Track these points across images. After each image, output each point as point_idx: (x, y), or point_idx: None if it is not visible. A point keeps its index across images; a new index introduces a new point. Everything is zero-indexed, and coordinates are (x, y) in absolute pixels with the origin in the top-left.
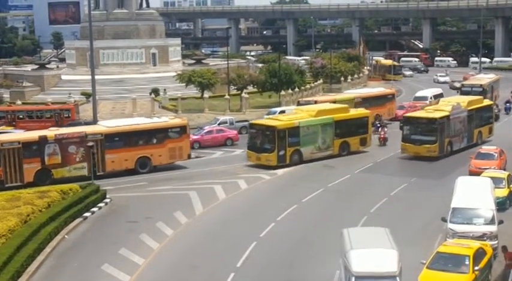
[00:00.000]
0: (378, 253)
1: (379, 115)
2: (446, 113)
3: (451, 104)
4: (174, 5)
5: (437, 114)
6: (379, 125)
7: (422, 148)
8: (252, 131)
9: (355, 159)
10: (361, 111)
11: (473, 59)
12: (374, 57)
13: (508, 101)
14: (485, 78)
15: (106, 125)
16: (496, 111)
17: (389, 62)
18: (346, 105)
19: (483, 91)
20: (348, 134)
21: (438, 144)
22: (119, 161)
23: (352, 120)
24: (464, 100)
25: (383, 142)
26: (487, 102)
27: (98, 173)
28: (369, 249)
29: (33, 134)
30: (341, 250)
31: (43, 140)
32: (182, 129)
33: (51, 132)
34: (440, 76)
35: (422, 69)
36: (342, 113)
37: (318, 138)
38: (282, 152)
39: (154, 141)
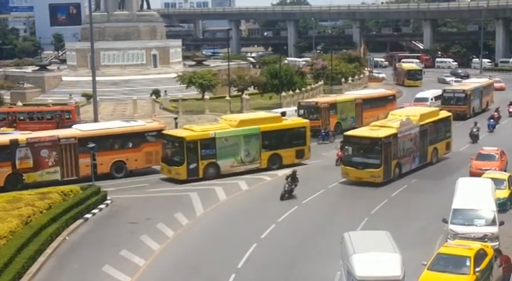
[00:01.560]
0: (381, 257)
1: (327, 124)
2: (393, 131)
3: (400, 118)
4: (175, 6)
5: (382, 133)
6: (324, 133)
7: (364, 173)
8: (163, 142)
9: None
10: (297, 121)
11: (476, 60)
12: (399, 63)
13: (492, 117)
14: (471, 83)
15: (80, 128)
16: (475, 130)
17: (409, 66)
18: (278, 115)
19: (466, 97)
20: (280, 145)
21: (383, 168)
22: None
23: (285, 130)
24: (416, 113)
25: (339, 161)
26: (443, 114)
27: (71, 178)
28: (372, 253)
29: (4, 138)
30: (343, 254)
31: (14, 143)
32: (159, 133)
33: (22, 135)
34: (447, 77)
35: (462, 74)
36: (272, 123)
37: (239, 151)
38: (193, 166)
39: (130, 145)
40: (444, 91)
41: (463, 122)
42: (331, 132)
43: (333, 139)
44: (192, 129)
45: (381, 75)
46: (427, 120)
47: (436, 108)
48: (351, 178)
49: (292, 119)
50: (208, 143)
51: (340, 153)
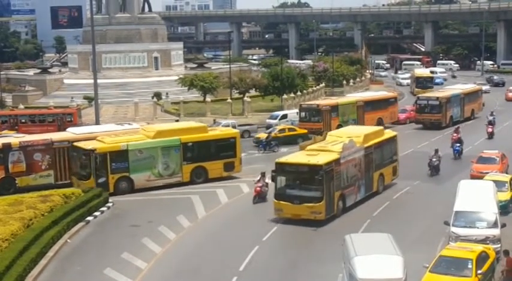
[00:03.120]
0: (383, 259)
1: (269, 133)
2: (335, 156)
3: (341, 140)
4: (176, 9)
5: (323, 159)
6: (265, 141)
7: (303, 208)
8: (72, 154)
9: None
10: (225, 132)
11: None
12: (415, 70)
13: (457, 141)
14: (450, 90)
15: (74, 131)
16: (434, 160)
17: (419, 72)
18: (203, 125)
19: (441, 105)
20: (206, 158)
21: (325, 201)
22: None
23: (211, 142)
24: (359, 134)
25: (257, 198)
26: (389, 133)
27: (64, 181)
28: (374, 255)
29: None
30: (345, 256)
31: (7, 147)
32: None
33: (15, 139)
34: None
35: (498, 81)
36: (195, 133)
37: (157, 164)
38: (102, 180)
39: None
40: (418, 98)
41: (439, 135)
42: (273, 142)
43: (276, 148)
44: (103, 140)
45: (405, 82)
46: (372, 142)
47: (380, 127)
48: (285, 215)
49: (221, 129)
50: (120, 155)
51: (258, 187)
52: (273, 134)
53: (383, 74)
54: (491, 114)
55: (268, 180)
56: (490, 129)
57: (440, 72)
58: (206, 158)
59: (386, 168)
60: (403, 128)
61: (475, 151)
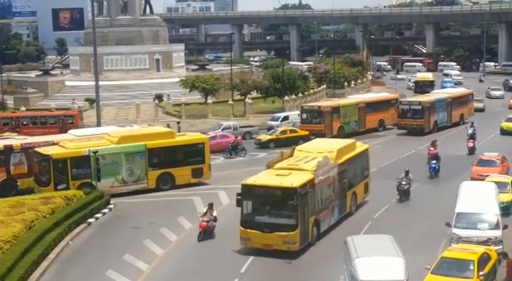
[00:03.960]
0: (384, 261)
1: (236, 137)
2: (310, 176)
3: (312, 156)
4: (178, 11)
5: (297, 180)
6: (231, 146)
7: (274, 238)
8: (35, 160)
9: None
10: (194, 137)
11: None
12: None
13: (434, 157)
14: (436, 94)
15: (75, 133)
16: (404, 183)
17: (420, 76)
18: (170, 130)
19: (423, 110)
20: (173, 164)
21: (300, 230)
22: None
23: (178, 147)
24: (331, 148)
25: (203, 234)
26: (361, 147)
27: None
28: (376, 257)
29: None
30: (346, 258)
31: (8, 149)
32: None
33: (17, 141)
34: (494, 90)
35: None
36: (162, 139)
37: (121, 170)
38: (62, 186)
39: None
40: (400, 103)
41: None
42: (240, 146)
43: (244, 153)
44: (64, 146)
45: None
46: (346, 157)
47: (353, 140)
48: (253, 245)
49: (190, 134)
50: (81, 161)
51: (205, 222)
52: (274, 136)
53: (399, 77)
54: (472, 126)
55: (215, 213)
56: (471, 144)
57: (455, 76)
58: (173, 164)
59: (359, 186)
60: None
61: (453, 170)
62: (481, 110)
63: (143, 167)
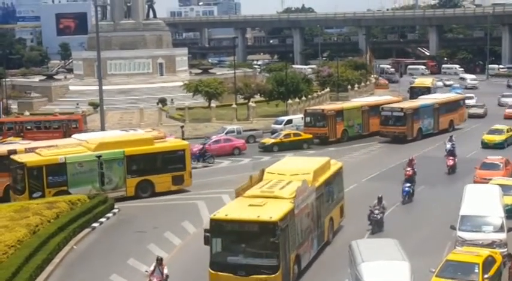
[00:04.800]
0: (389, 265)
1: (204, 144)
2: (289, 206)
3: (286, 180)
4: (181, 15)
5: (275, 213)
6: (199, 152)
7: None
8: (11, 168)
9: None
10: (174, 143)
11: (490, 66)
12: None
13: (409, 179)
14: (423, 100)
15: (79, 138)
16: (376, 212)
17: (417, 82)
18: (149, 136)
19: (405, 117)
20: (152, 171)
21: (281, 271)
22: None
23: (158, 154)
24: (306, 170)
25: None
26: (335, 165)
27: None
28: (381, 261)
29: (2, 148)
30: (351, 262)
31: (12, 154)
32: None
33: (21, 146)
34: (506, 97)
35: None
36: (141, 145)
37: (98, 177)
38: (37, 194)
39: None
40: (382, 109)
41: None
42: (208, 154)
43: (212, 160)
44: (39, 153)
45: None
46: (322, 179)
47: (327, 158)
48: None
49: (170, 140)
50: (57, 169)
51: (151, 277)
52: (278, 140)
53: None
54: (450, 140)
55: (166, 270)
56: (450, 162)
57: (471, 80)
58: (152, 172)
59: (335, 210)
60: None
61: (428, 193)
62: (481, 116)
63: (121, 174)
